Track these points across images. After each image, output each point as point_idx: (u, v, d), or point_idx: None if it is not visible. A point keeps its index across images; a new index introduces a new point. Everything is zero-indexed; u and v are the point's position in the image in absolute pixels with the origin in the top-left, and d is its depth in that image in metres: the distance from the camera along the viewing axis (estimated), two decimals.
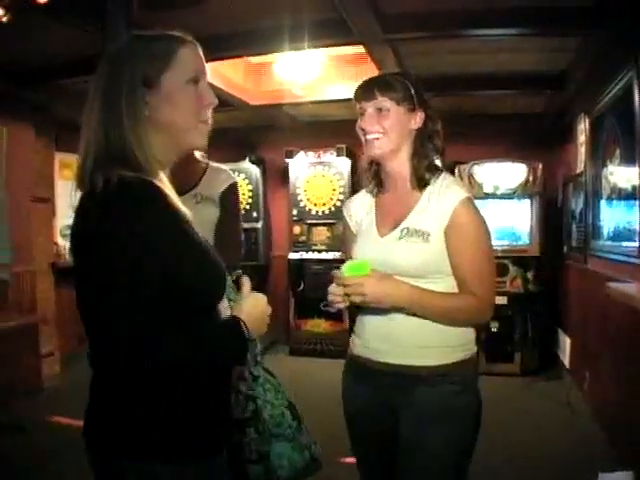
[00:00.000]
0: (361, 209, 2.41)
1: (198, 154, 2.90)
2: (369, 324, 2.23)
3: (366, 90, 2.21)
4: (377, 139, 2.18)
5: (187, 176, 2.79)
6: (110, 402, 1.50)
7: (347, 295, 2.01)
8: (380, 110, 2.17)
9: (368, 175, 2.38)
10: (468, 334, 2.22)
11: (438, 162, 2.26)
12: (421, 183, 2.19)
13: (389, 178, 2.30)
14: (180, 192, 2.77)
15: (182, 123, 1.55)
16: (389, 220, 2.23)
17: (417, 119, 2.20)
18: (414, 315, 2.10)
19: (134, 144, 1.45)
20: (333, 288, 2.09)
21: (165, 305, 1.42)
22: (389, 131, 2.16)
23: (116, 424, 1.48)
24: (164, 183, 1.54)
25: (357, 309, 2.23)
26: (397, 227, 2.17)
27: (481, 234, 2.15)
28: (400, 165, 2.23)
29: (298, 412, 1.65)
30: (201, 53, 1.61)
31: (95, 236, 1.38)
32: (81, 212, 1.46)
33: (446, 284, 2.13)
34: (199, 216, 2.77)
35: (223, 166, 3.08)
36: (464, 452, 2.18)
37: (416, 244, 2.11)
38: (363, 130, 2.21)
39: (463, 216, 2.10)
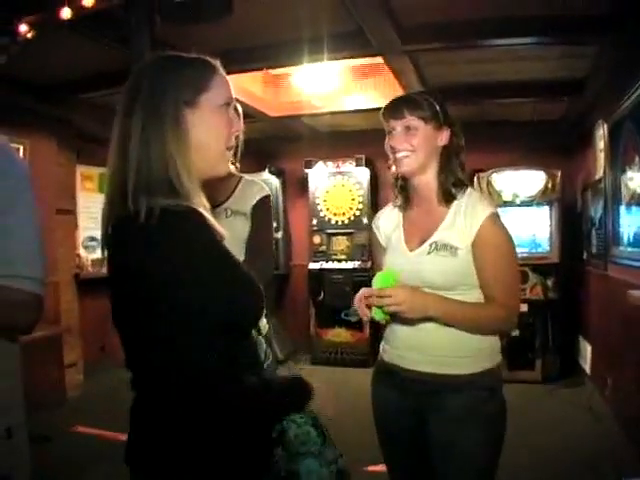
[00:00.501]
0: (389, 223, 2.47)
1: (232, 167, 2.91)
2: (400, 333, 2.28)
3: (395, 109, 2.28)
4: (406, 157, 2.25)
5: (220, 190, 2.79)
6: (154, 428, 1.51)
7: (380, 307, 2.06)
8: (409, 129, 2.24)
9: (395, 190, 2.44)
10: (494, 343, 2.28)
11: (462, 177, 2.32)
12: (448, 198, 2.26)
13: (416, 193, 2.36)
14: (212, 206, 2.80)
15: (214, 145, 1.58)
16: (417, 234, 2.30)
17: (443, 136, 2.27)
18: (444, 325, 2.16)
19: (179, 165, 1.46)
20: (359, 303, 2.15)
21: (213, 328, 1.45)
22: (417, 149, 2.23)
23: (166, 450, 1.48)
24: (204, 205, 1.53)
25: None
26: (425, 241, 2.24)
27: (507, 247, 2.22)
28: (428, 181, 2.30)
29: (323, 428, 1.67)
30: (229, 81, 1.64)
31: (141, 266, 1.41)
32: (122, 239, 1.48)
33: (473, 295, 2.20)
34: (231, 230, 2.80)
35: (256, 179, 3.09)
36: (493, 453, 2.25)
37: (445, 258, 2.17)
38: (392, 148, 2.28)
39: (490, 231, 2.17)
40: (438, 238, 2.22)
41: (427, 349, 2.23)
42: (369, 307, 2.12)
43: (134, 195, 1.42)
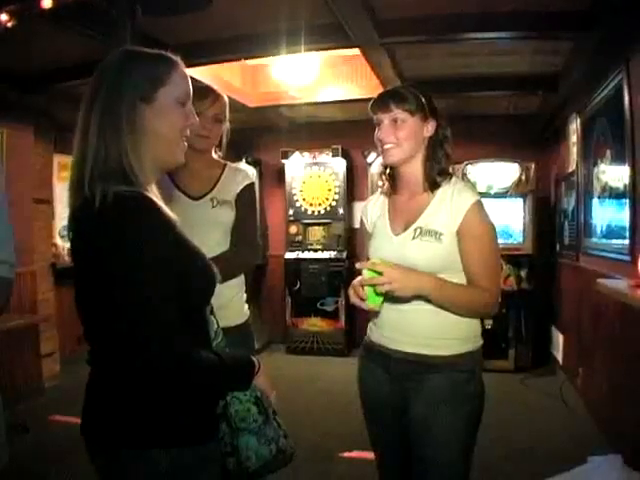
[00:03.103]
0: (376, 210, 2.55)
1: (215, 155, 2.94)
2: (385, 314, 2.35)
3: (382, 103, 2.34)
4: (393, 148, 2.32)
5: (205, 179, 2.81)
6: (110, 398, 1.59)
7: (374, 289, 2.12)
8: (395, 121, 2.31)
9: (383, 178, 2.52)
10: (476, 328, 2.37)
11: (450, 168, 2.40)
12: (433, 186, 2.33)
13: (403, 181, 2.43)
14: (198, 196, 2.83)
15: (170, 137, 1.65)
16: (402, 220, 2.37)
17: (429, 127, 2.35)
18: (428, 307, 2.24)
19: (132, 157, 1.54)
20: (353, 295, 2.22)
21: (167, 305, 1.50)
22: (403, 141, 2.30)
23: (116, 417, 1.57)
24: (155, 194, 1.64)
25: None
26: (410, 227, 2.31)
27: (490, 235, 2.30)
28: (414, 169, 2.37)
29: (265, 406, 1.73)
30: (188, 77, 1.71)
31: (97, 248, 1.48)
32: (80, 224, 1.56)
33: (457, 279, 2.26)
34: (217, 218, 2.84)
35: (241, 166, 3.08)
36: (471, 432, 2.33)
37: (429, 243, 2.24)
38: (380, 140, 2.35)
39: (474, 219, 2.24)
40: (422, 223, 2.29)
41: (410, 330, 2.31)
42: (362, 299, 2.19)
43: (90, 182, 1.51)
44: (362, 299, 2.18)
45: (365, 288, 2.15)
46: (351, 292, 2.23)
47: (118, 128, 1.54)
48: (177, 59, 1.68)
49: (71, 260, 1.62)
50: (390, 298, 2.19)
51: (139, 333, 1.45)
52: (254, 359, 1.78)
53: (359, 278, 2.19)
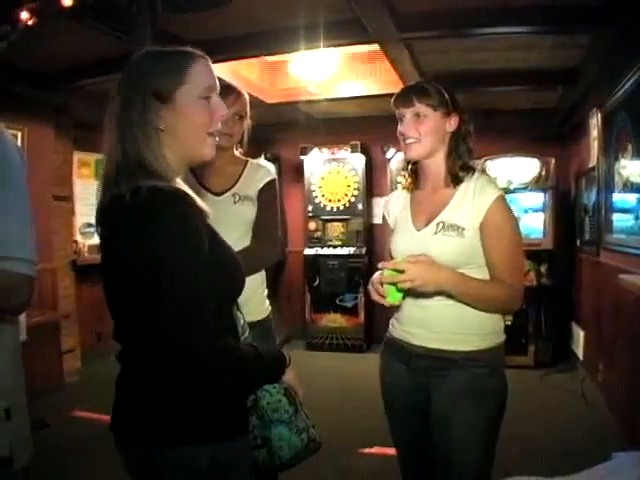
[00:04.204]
0: (397, 205, 2.55)
1: (237, 152, 2.96)
2: (408, 310, 2.36)
3: (405, 97, 2.35)
4: (415, 143, 2.33)
5: (227, 175, 2.83)
6: (146, 395, 1.59)
7: (395, 286, 2.11)
8: (418, 116, 2.31)
9: (406, 173, 2.53)
10: (498, 323, 2.37)
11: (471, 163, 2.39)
12: (455, 181, 2.33)
13: (425, 176, 2.44)
14: (220, 192, 2.85)
15: (193, 136, 1.64)
16: (424, 215, 2.37)
17: (452, 122, 2.35)
18: (450, 303, 2.24)
19: (150, 158, 1.55)
20: (373, 292, 2.23)
21: (206, 300, 1.51)
22: (425, 136, 2.31)
23: (154, 415, 1.58)
24: (184, 186, 1.64)
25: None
26: (432, 221, 2.31)
27: (513, 230, 2.29)
28: (436, 164, 2.37)
29: (294, 398, 1.76)
30: (212, 68, 1.69)
31: (136, 242, 1.48)
32: (112, 219, 1.55)
33: (479, 274, 2.26)
34: (238, 214, 2.86)
35: (262, 162, 3.10)
36: (492, 427, 2.33)
37: (452, 238, 2.24)
38: (402, 135, 2.36)
39: (497, 213, 2.23)
40: (445, 218, 2.29)
41: (432, 326, 2.31)
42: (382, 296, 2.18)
43: (117, 179, 1.52)
44: (382, 296, 2.18)
45: (385, 285, 2.15)
46: (371, 289, 2.23)
47: (132, 131, 1.55)
48: (198, 53, 1.66)
49: (101, 256, 1.62)
50: (411, 293, 2.20)
51: (181, 331, 1.46)
52: (285, 353, 1.80)
53: (378, 275, 2.19)
